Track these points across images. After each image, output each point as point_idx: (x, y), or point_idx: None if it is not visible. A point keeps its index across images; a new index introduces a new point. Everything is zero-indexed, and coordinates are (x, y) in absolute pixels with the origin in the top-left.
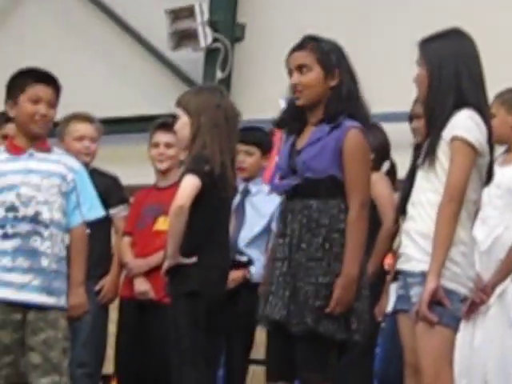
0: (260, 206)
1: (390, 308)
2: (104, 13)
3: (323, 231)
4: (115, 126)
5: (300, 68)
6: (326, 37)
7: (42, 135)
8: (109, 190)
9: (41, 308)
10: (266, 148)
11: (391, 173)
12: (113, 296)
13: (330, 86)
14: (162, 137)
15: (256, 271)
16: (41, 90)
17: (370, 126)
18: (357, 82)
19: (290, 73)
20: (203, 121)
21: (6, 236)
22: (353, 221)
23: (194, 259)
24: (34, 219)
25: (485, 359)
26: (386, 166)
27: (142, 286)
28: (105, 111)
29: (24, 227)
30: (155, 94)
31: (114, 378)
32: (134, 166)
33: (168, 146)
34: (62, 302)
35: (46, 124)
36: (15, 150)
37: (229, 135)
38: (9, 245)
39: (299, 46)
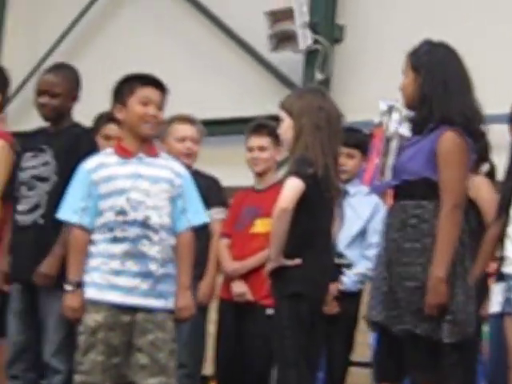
0: (358, 208)
1: (493, 310)
2: (203, 15)
3: (417, 234)
4: (215, 127)
5: (404, 71)
6: (427, 37)
7: (151, 137)
8: (209, 191)
9: (149, 310)
10: (365, 150)
11: (490, 175)
12: (209, 298)
13: (421, 89)
14: (255, 141)
15: (349, 278)
16: (150, 93)
17: (473, 129)
18: (459, 84)
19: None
20: (305, 123)
21: (115, 240)
22: (443, 222)
23: (297, 261)
24: (144, 223)
25: None
26: (485, 167)
27: (239, 288)
28: (205, 113)
29: (133, 231)
30: (255, 96)
31: (214, 379)
32: (233, 167)
33: (261, 149)
34: (169, 304)
35: (155, 125)
36: (125, 153)
37: (331, 137)
38: (118, 248)
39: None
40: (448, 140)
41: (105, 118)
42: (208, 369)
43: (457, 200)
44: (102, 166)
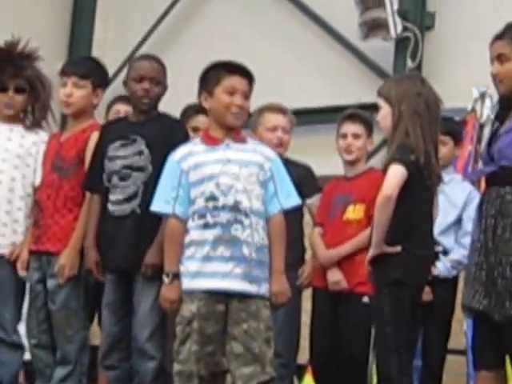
0: (452, 196)
1: None
2: (294, 4)
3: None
4: (306, 116)
5: (499, 57)
6: None
7: (238, 126)
8: (303, 179)
9: (243, 297)
10: (458, 137)
11: None
12: (308, 284)
13: None
14: (349, 127)
15: (444, 264)
16: (236, 82)
17: None
18: None
19: (492, 62)
20: (404, 109)
21: (206, 226)
22: None
23: (398, 248)
24: (234, 208)
25: None
26: None
27: (334, 276)
28: (295, 102)
29: (224, 216)
30: (345, 85)
31: (309, 368)
32: (323, 156)
33: (356, 136)
34: (262, 290)
35: (242, 115)
36: (212, 141)
37: (431, 123)
38: (209, 234)
39: (499, 35)
40: None
41: (192, 110)
42: (303, 358)
43: None
44: (189, 155)
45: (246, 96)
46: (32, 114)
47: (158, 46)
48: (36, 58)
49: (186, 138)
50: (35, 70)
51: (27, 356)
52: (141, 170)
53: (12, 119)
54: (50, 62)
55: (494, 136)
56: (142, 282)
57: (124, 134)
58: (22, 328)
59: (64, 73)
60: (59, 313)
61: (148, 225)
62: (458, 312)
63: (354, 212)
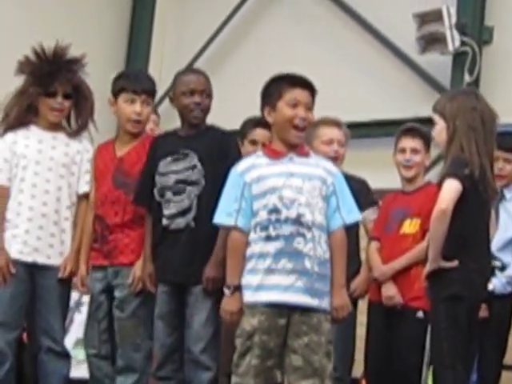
0: None
1: None
2: (352, 18)
3: None
4: (362, 130)
5: None
6: None
7: (299, 144)
8: (358, 192)
9: (304, 310)
10: None
11: None
12: (362, 294)
13: None
14: (408, 142)
15: (500, 280)
16: (298, 94)
17: None
18: None
19: None
20: (459, 124)
21: (269, 238)
22: None
23: (455, 263)
24: (297, 221)
25: None
26: None
27: (389, 291)
28: (352, 115)
29: (287, 229)
30: (402, 98)
31: (363, 381)
32: (380, 170)
33: (415, 151)
34: (324, 303)
35: (304, 129)
36: (275, 154)
37: (486, 137)
38: (271, 247)
39: None
40: None
41: (251, 123)
42: (357, 371)
43: None
44: (253, 167)
45: (309, 108)
46: (76, 121)
47: (213, 60)
48: (84, 65)
49: (238, 151)
50: (82, 78)
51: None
52: (194, 184)
53: (54, 127)
54: (108, 76)
55: None
56: (196, 295)
57: (175, 149)
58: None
59: (133, 91)
60: (129, 321)
61: (202, 238)
62: None
63: (411, 226)
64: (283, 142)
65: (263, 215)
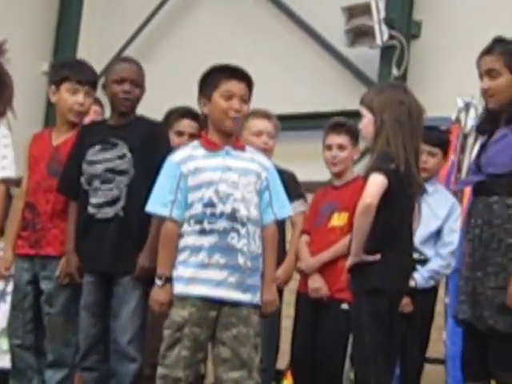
0: (435, 206)
1: None
2: (280, 10)
3: (498, 229)
4: (290, 122)
5: (489, 72)
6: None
7: (235, 132)
8: (286, 185)
9: (235, 304)
10: (446, 149)
11: None
12: (284, 284)
13: None
14: (334, 139)
15: (421, 275)
16: (234, 86)
17: None
18: None
19: (481, 76)
20: (386, 118)
21: (203, 232)
22: None
23: (377, 256)
24: (232, 216)
25: None
26: None
27: (315, 283)
28: (280, 108)
29: (222, 224)
30: (331, 92)
31: (288, 372)
32: (308, 162)
33: (340, 148)
34: (256, 299)
35: (239, 120)
36: (212, 146)
37: (413, 132)
38: (205, 240)
39: (488, 50)
40: None
41: (177, 114)
42: (282, 363)
43: None
44: (189, 159)
45: (244, 100)
46: None
47: (143, 49)
48: (4, 51)
49: (168, 141)
50: (1, 63)
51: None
52: (124, 174)
53: None
54: (35, 64)
55: (483, 147)
56: (124, 286)
57: (104, 138)
58: None
59: (77, 81)
60: (58, 316)
61: (131, 228)
62: (437, 321)
63: (339, 219)
64: (219, 133)
65: (198, 208)
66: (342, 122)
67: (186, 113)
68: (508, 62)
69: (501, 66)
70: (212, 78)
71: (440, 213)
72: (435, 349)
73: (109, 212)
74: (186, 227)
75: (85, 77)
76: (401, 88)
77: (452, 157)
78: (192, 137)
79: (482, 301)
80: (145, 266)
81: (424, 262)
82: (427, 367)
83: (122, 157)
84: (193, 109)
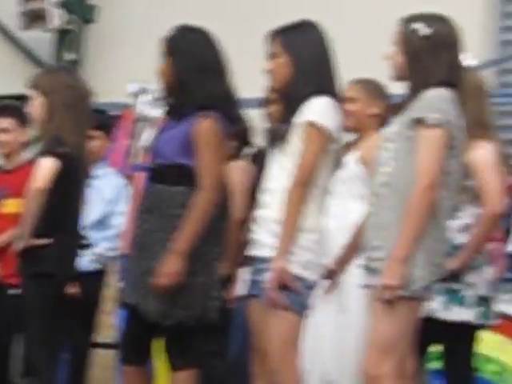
0: (103, 190)
1: (241, 292)
2: None
3: (165, 215)
4: None
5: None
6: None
7: None
8: None
9: None
10: (109, 131)
11: (257, 157)
12: None
13: (177, 75)
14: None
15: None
16: None
17: (230, 114)
18: (215, 69)
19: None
20: (55, 101)
21: None
22: (195, 201)
23: (45, 240)
24: None
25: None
26: (249, 151)
27: None
28: None
29: None
30: (6, 75)
31: None
32: None
33: (4, 131)
34: None
35: None
36: None
37: (80, 116)
38: None
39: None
40: (204, 127)
41: None
42: None
43: (211, 183)
44: None
45: None
46: None
47: None
48: None
49: None
50: None
51: None
52: None
53: None
54: None
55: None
56: None
57: None
58: None
59: None
60: None
61: None
62: (107, 305)
63: (13, 206)
64: None
65: None
66: (5, 106)
67: None
68: (169, 47)
69: (164, 50)
70: None
71: (108, 196)
72: (106, 333)
73: None
74: None
75: None
76: (70, 71)
77: (125, 141)
78: None
79: (147, 285)
80: None
81: (89, 246)
82: (97, 351)
83: None
84: None
